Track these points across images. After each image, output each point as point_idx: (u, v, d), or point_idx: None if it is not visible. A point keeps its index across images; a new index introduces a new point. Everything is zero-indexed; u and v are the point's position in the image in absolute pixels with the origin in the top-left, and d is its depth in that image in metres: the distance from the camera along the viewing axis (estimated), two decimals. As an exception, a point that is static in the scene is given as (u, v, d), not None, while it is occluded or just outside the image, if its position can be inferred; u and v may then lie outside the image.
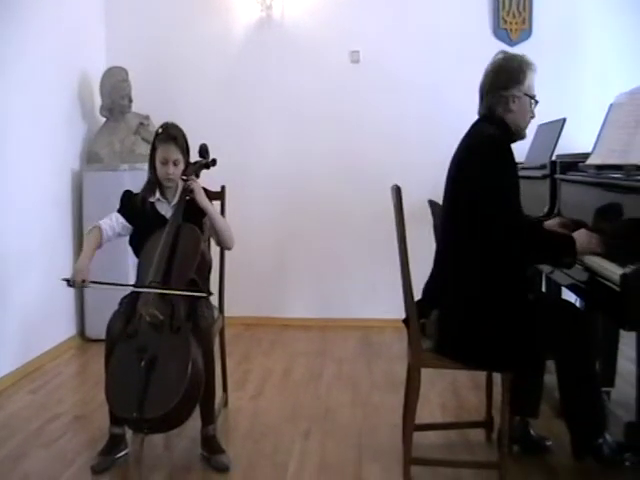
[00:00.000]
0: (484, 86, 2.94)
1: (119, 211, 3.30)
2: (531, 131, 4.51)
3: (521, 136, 2.95)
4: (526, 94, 2.88)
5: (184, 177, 3.27)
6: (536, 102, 2.93)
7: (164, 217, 3.26)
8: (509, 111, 2.87)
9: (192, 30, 5.51)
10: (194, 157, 3.42)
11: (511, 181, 2.78)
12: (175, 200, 3.28)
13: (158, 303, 2.99)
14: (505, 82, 2.87)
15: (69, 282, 3.07)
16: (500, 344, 2.71)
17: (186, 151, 3.29)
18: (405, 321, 2.89)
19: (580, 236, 2.77)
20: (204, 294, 3.17)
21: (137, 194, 3.32)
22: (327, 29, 5.44)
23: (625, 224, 2.75)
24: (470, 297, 2.76)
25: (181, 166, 3.26)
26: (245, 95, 5.51)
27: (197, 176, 3.37)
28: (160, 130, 3.29)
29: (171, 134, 3.25)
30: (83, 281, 3.06)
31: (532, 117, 2.94)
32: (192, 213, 3.24)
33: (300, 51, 5.45)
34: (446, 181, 2.95)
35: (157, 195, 3.31)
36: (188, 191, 3.24)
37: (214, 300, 3.57)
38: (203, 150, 3.46)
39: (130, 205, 3.30)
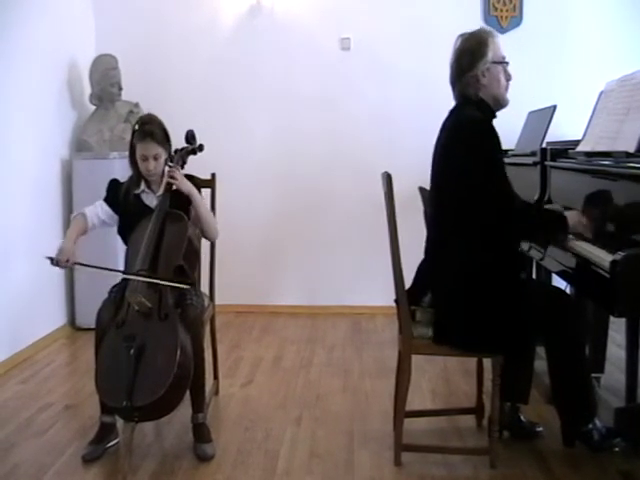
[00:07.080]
0: (452, 77, 2.90)
1: (105, 200, 3.29)
2: (521, 118, 4.55)
3: (503, 104, 2.90)
4: (494, 62, 2.83)
5: (169, 165, 3.24)
6: (507, 63, 2.87)
7: (150, 208, 3.23)
8: (481, 87, 2.83)
9: (182, 17, 5.47)
10: (181, 143, 3.39)
11: (497, 162, 2.77)
12: (161, 190, 3.25)
13: (146, 291, 2.97)
14: (469, 63, 2.82)
15: (52, 260, 3.06)
16: (494, 325, 2.72)
17: (166, 141, 3.24)
18: (397, 301, 2.89)
19: (572, 215, 2.85)
20: (186, 286, 3.09)
21: (123, 183, 3.30)
22: (318, 16, 5.42)
23: (614, 211, 2.76)
24: (463, 280, 2.76)
25: (162, 159, 3.22)
26: (235, 83, 5.48)
27: (184, 162, 3.35)
28: (136, 127, 3.24)
29: (147, 130, 3.18)
30: (67, 260, 3.06)
31: (509, 79, 2.89)
32: (179, 201, 3.21)
33: (291, 38, 5.42)
34: (432, 167, 2.94)
35: (142, 187, 3.28)
36: (170, 181, 3.20)
37: (205, 288, 3.57)
38: (190, 136, 3.42)
39: (116, 194, 3.27)
